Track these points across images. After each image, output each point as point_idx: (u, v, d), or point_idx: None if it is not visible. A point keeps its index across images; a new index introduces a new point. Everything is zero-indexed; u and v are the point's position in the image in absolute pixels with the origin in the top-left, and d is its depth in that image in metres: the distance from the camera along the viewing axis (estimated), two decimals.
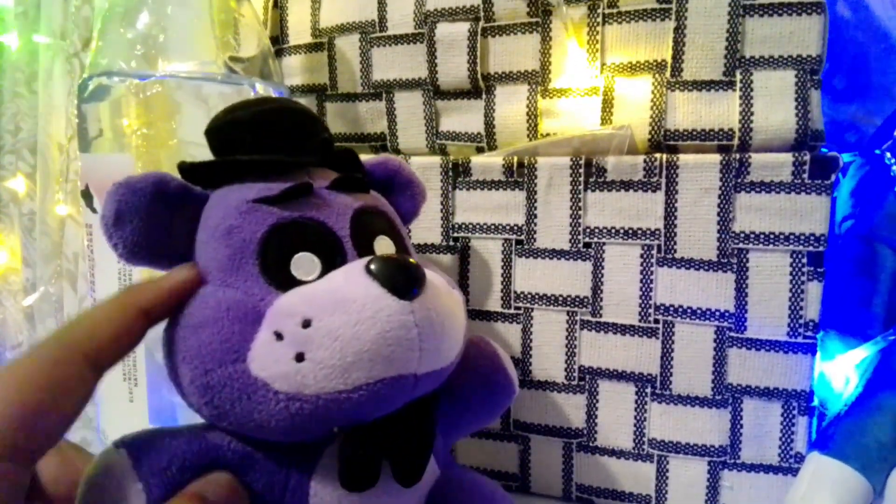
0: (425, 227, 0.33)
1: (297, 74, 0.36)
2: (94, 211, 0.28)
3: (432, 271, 0.21)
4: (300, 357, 0.17)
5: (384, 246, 0.22)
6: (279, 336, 0.18)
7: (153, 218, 0.19)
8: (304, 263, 0.20)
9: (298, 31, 0.36)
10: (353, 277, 0.18)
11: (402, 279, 0.18)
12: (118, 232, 0.19)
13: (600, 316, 0.30)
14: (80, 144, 0.29)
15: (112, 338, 0.18)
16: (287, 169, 0.21)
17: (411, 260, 0.19)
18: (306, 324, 0.18)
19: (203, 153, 0.22)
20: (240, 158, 0.21)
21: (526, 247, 0.31)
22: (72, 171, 0.63)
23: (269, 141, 0.21)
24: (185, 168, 0.21)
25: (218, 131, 0.22)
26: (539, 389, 0.32)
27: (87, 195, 0.28)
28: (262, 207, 0.20)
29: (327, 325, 0.17)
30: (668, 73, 0.29)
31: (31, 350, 0.17)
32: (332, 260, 0.20)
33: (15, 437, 0.15)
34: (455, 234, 0.33)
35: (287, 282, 0.19)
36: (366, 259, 0.19)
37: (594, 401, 0.31)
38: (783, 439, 0.29)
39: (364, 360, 0.17)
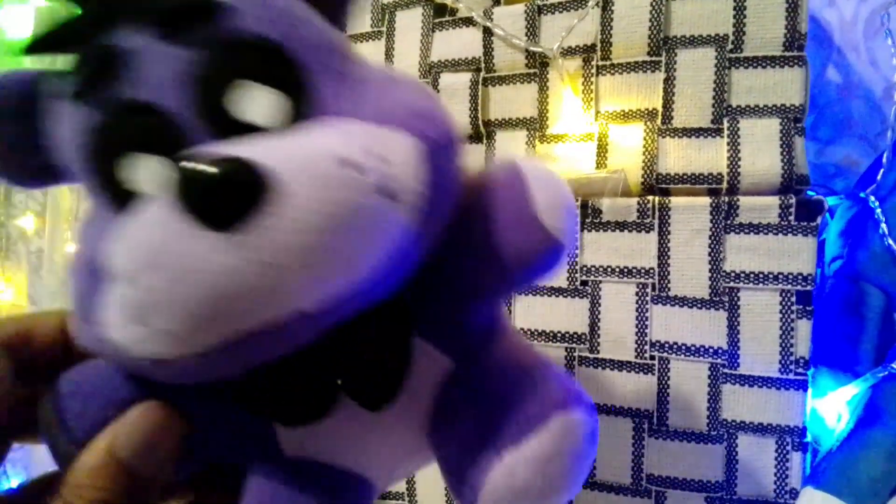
0: None
1: None
2: None
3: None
4: (144, 322, 0.14)
5: (261, 105, 0.14)
6: (116, 301, 0.14)
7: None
8: (142, 172, 0.14)
9: None
10: (160, 212, 0.13)
11: (217, 203, 0.13)
12: None
13: (597, 352, 0.31)
14: None
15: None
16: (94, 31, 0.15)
17: (240, 157, 0.13)
18: (133, 283, 0.14)
19: None
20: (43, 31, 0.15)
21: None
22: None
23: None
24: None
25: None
26: None
27: None
28: (65, 105, 0.15)
29: (150, 287, 0.13)
30: (659, 121, 0.31)
31: None
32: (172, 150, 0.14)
33: None
34: None
35: (129, 196, 0.14)
36: (178, 173, 0.13)
37: None
38: (778, 475, 0.29)
39: (203, 322, 0.13)
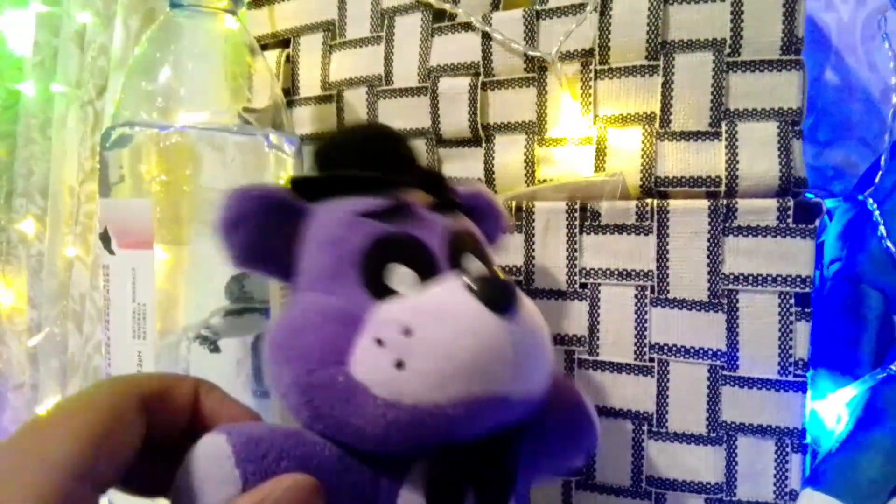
0: None
1: (306, 124, 0.38)
2: (111, 252, 0.29)
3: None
4: (400, 364, 0.18)
5: (475, 266, 0.23)
6: (380, 342, 0.18)
7: (264, 223, 0.21)
8: (402, 277, 0.20)
9: (309, 84, 0.38)
10: (454, 291, 0.19)
11: (499, 296, 0.19)
12: (234, 235, 0.20)
13: (597, 354, 0.31)
14: (100, 190, 0.30)
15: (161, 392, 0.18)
16: (385, 187, 0.22)
17: (506, 278, 0.20)
18: (407, 332, 0.18)
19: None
20: (345, 174, 0.22)
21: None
22: (82, 213, 0.65)
23: (372, 161, 0.23)
24: (295, 181, 0.23)
25: (326, 152, 0.23)
26: None
27: (105, 237, 0.30)
28: (368, 221, 0.21)
29: (428, 336, 0.18)
30: (657, 125, 0.31)
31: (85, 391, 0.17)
32: (427, 276, 0.21)
33: (93, 462, 0.15)
34: None
35: (385, 293, 0.20)
36: (465, 275, 0.20)
37: None
38: (777, 476, 0.29)
39: (461, 373, 0.18)
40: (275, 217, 0.21)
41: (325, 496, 0.18)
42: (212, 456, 0.18)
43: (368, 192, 0.22)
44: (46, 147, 0.70)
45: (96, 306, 0.60)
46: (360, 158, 0.23)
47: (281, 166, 0.32)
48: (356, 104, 0.37)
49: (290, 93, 0.39)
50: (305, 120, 0.38)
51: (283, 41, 0.39)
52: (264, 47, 0.39)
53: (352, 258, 0.20)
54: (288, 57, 0.39)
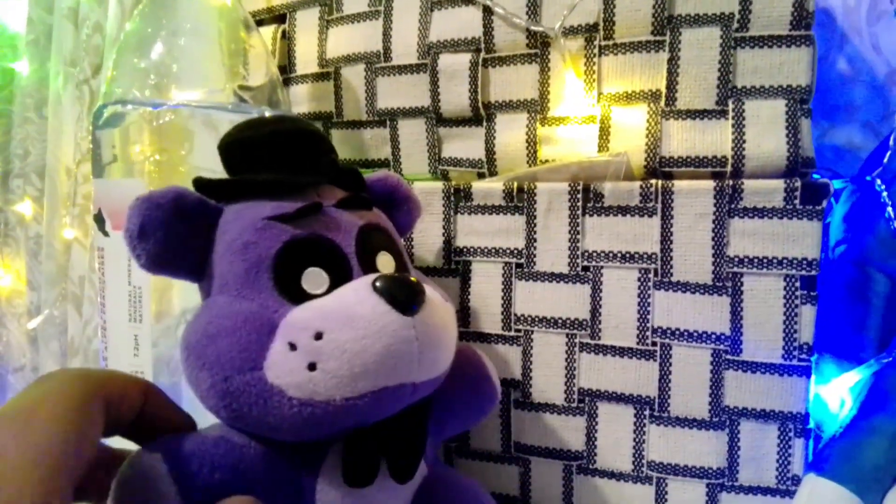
0: (427, 251, 0.34)
1: (303, 102, 0.37)
2: (105, 234, 0.29)
3: (428, 285, 0.22)
4: (312, 367, 0.19)
5: (385, 262, 0.23)
6: (293, 346, 0.19)
7: (173, 230, 0.21)
8: (314, 278, 0.21)
9: (305, 61, 0.37)
10: (361, 294, 0.20)
11: (404, 296, 0.20)
12: (142, 244, 0.20)
13: (599, 338, 0.31)
14: (93, 170, 0.30)
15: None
16: (298, 187, 0.23)
17: (412, 278, 0.21)
18: (318, 336, 0.19)
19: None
20: (254, 178, 0.22)
21: (526, 270, 0.32)
22: (79, 195, 0.64)
23: (281, 159, 0.23)
24: (201, 184, 0.22)
25: (233, 148, 0.23)
26: (539, 412, 0.32)
27: (99, 219, 0.29)
28: (277, 225, 0.21)
29: (338, 338, 0.19)
30: (662, 103, 0.30)
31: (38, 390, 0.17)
32: (339, 275, 0.21)
33: (72, 458, 0.15)
34: (456, 258, 0.33)
35: (298, 295, 0.21)
36: (372, 277, 0.20)
37: (594, 423, 0.31)
38: (780, 461, 0.29)
39: (370, 370, 0.19)
40: (183, 223, 0.21)
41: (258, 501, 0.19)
42: (150, 476, 0.19)
43: (278, 192, 0.22)
44: (42, 127, 0.70)
45: (95, 288, 0.60)
46: (272, 156, 0.23)
47: None
48: (354, 81, 0.36)
49: (287, 70, 0.38)
50: (302, 98, 0.37)
51: (278, 16, 0.38)
52: (259, 23, 0.38)
53: (263, 263, 0.21)
54: (284, 33, 0.38)
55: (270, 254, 0.21)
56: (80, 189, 0.65)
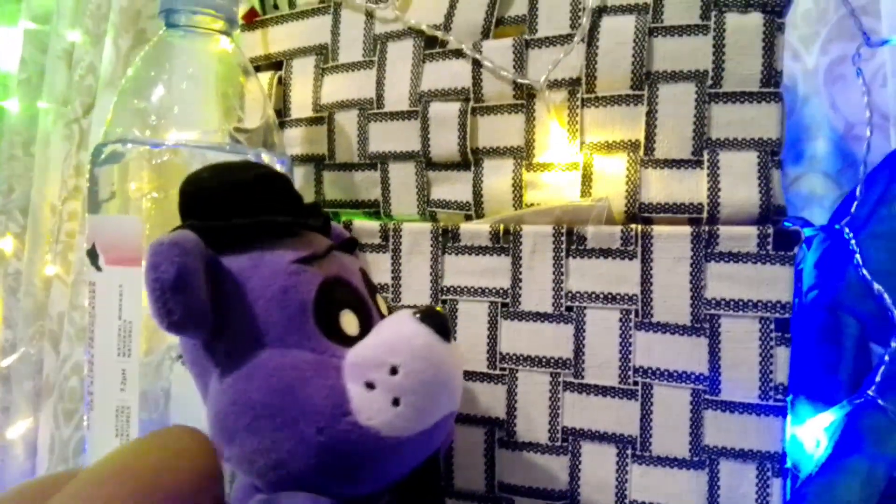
0: (416, 291, 0.34)
1: (297, 145, 0.38)
2: (98, 269, 0.29)
3: None
4: (396, 402, 0.19)
5: (381, 302, 0.24)
6: (371, 386, 0.19)
7: (207, 281, 0.19)
8: (349, 320, 0.21)
9: (300, 105, 0.39)
10: (412, 326, 0.20)
11: (444, 325, 0.21)
12: (178, 296, 0.18)
13: (583, 377, 0.32)
14: (89, 206, 0.30)
15: None
16: (294, 230, 0.22)
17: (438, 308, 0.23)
18: (394, 371, 0.19)
19: None
20: (274, 220, 0.21)
21: (511, 309, 0.33)
22: (63, 232, 0.64)
23: (271, 203, 0.22)
24: (207, 229, 0.20)
25: (212, 194, 0.21)
26: (523, 451, 0.32)
27: (93, 254, 0.29)
28: (306, 268, 0.21)
29: (413, 371, 0.20)
30: (641, 152, 0.32)
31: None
32: (365, 316, 0.22)
33: None
34: (443, 297, 0.34)
35: (341, 337, 0.21)
36: (411, 311, 0.21)
37: (577, 462, 0.32)
38: (759, 500, 0.30)
39: (442, 400, 0.20)
40: (208, 272, 0.19)
41: None
42: None
43: (280, 236, 0.21)
44: (29, 164, 0.70)
45: (75, 326, 0.59)
46: (264, 199, 0.21)
47: None
48: (347, 126, 0.37)
49: (282, 114, 0.39)
50: (296, 140, 0.38)
51: (275, 63, 0.40)
52: (257, 69, 0.40)
53: (306, 308, 0.20)
54: (280, 79, 0.39)
55: (311, 298, 0.20)
56: (64, 226, 0.65)
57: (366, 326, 0.22)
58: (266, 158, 0.32)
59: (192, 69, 0.32)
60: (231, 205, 0.21)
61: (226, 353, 0.20)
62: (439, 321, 0.21)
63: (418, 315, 0.21)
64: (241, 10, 0.40)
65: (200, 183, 0.21)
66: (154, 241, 0.19)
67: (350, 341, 0.21)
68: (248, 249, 0.21)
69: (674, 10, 0.31)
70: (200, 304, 0.18)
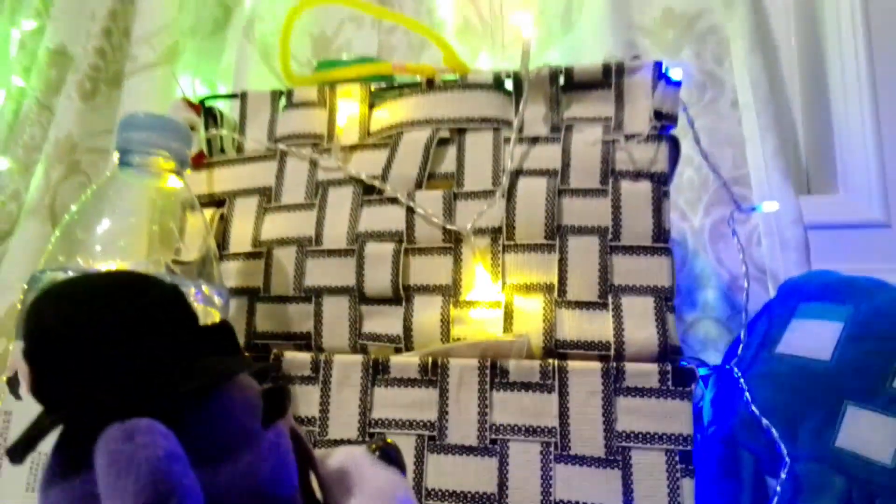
0: (343, 423, 0.35)
1: (232, 277, 0.40)
2: (17, 398, 0.28)
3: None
4: None
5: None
6: None
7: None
8: None
9: (239, 240, 0.40)
10: (378, 468, 0.25)
11: (401, 458, 0.25)
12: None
13: None
14: (17, 332, 0.30)
15: None
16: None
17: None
18: None
19: None
20: (231, 368, 0.20)
21: (438, 443, 0.34)
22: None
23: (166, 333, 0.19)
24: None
25: (72, 322, 0.17)
26: None
27: (13, 382, 0.29)
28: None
29: None
30: (555, 294, 0.35)
31: None
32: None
33: None
34: (371, 430, 0.35)
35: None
36: (364, 446, 0.26)
37: None
38: None
39: None
40: None
41: None
42: None
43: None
44: None
45: None
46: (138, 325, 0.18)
47: (208, 318, 0.33)
48: (284, 261, 0.39)
49: (221, 247, 0.41)
50: (232, 273, 0.40)
51: (218, 201, 0.42)
52: (203, 204, 0.42)
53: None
54: (222, 216, 0.41)
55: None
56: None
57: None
58: (207, 290, 0.33)
59: (138, 204, 0.34)
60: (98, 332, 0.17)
61: None
62: (397, 455, 0.25)
63: (377, 452, 0.25)
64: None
65: (48, 307, 0.17)
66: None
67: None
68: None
69: (578, 175, 0.37)
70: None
